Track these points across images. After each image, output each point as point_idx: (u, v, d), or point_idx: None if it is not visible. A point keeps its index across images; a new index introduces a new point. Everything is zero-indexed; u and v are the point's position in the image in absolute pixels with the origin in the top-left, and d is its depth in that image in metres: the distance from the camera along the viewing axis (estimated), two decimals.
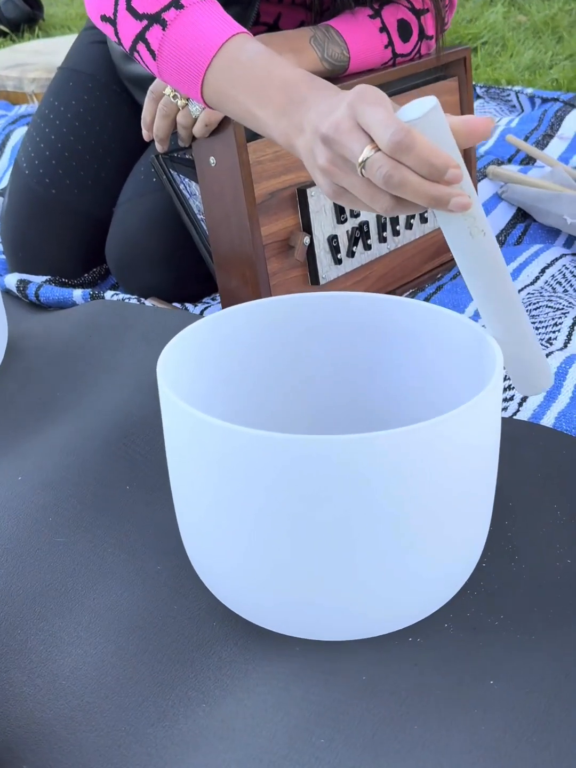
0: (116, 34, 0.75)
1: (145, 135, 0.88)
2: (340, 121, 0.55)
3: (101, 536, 0.66)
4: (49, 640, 0.58)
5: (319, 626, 0.56)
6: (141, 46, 0.73)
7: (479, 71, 1.87)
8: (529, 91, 1.61)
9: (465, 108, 1.04)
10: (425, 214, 1.00)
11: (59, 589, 0.61)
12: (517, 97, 1.61)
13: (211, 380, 0.63)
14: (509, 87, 1.67)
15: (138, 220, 0.99)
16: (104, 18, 0.76)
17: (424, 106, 0.53)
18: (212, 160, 0.83)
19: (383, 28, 0.91)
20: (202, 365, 0.62)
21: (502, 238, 1.14)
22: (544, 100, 1.56)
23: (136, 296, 0.96)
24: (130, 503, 0.69)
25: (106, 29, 0.76)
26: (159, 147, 0.88)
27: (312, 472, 0.49)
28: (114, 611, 0.60)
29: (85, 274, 1.07)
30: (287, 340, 0.65)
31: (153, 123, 0.86)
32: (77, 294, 0.96)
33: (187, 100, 0.82)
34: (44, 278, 1.02)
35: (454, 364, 0.61)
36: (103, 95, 1.09)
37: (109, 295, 0.94)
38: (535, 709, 0.49)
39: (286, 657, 0.56)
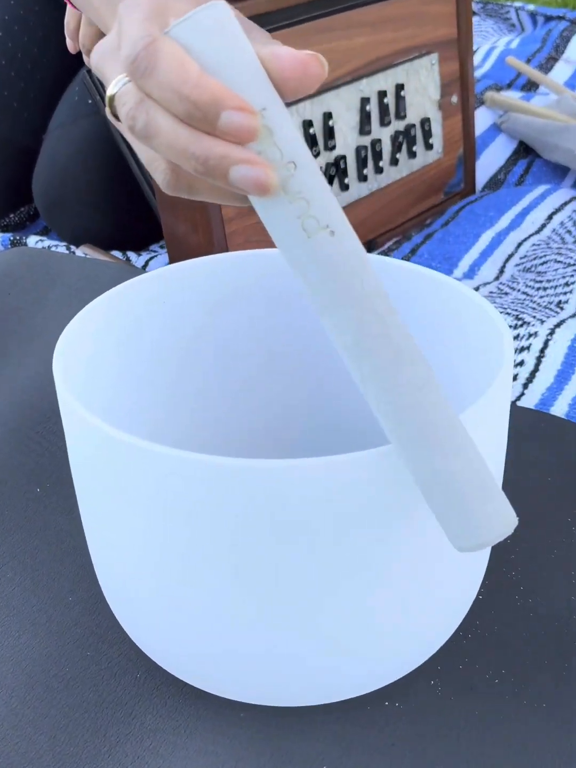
0: None
1: (70, 45, 0.71)
2: (112, 36, 0.34)
3: (2, 554, 0.52)
4: None
5: (268, 690, 0.43)
6: None
7: None
8: (531, 7, 1.43)
9: (461, 20, 0.88)
10: (414, 147, 0.85)
11: None
12: (517, 14, 1.44)
13: (136, 369, 0.49)
14: (509, 3, 1.49)
15: (70, 148, 0.83)
16: None
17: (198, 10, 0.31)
18: None
19: None
20: (119, 350, 0.47)
21: (501, 176, 0.99)
22: (548, 19, 1.38)
23: (65, 243, 0.81)
24: (39, 511, 0.55)
25: None
26: (87, 59, 0.72)
27: (256, 505, 0.36)
28: (7, 660, 0.47)
29: (11, 215, 0.91)
30: (239, 310, 0.51)
31: (78, 30, 0.69)
32: None
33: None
34: None
35: (450, 346, 0.47)
36: (36, 0, 0.92)
37: (32, 241, 0.79)
38: None
39: (225, 728, 0.43)
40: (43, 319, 0.70)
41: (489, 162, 1.00)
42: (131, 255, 0.83)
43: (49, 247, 0.79)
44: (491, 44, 1.32)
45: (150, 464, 0.36)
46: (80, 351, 0.44)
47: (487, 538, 0.34)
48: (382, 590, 0.39)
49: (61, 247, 0.79)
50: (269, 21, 0.72)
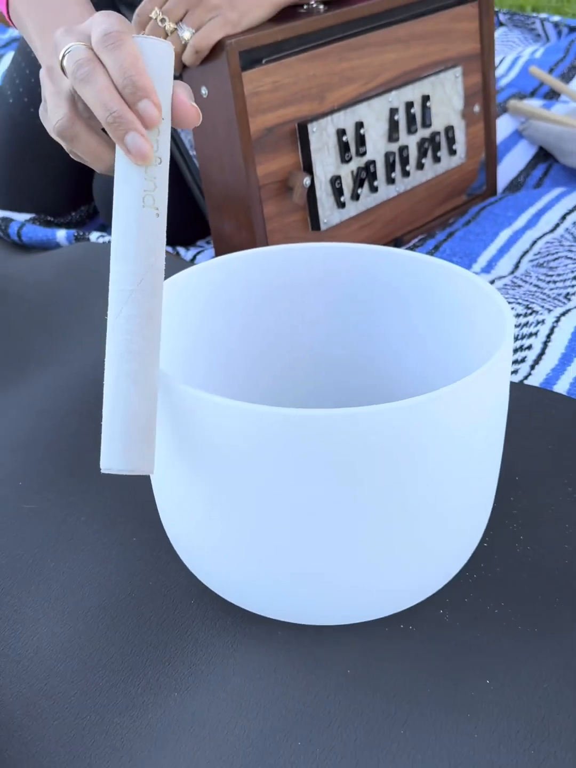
0: None
1: None
2: (72, 28, 0.47)
3: (75, 504, 0.61)
4: (12, 617, 0.54)
5: (304, 610, 0.51)
6: None
7: None
8: (556, 18, 1.50)
9: (485, 36, 0.96)
10: (438, 153, 0.93)
11: (26, 560, 0.57)
12: (543, 26, 1.51)
13: (190, 341, 0.57)
14: (534, 14, 1.56)
15: None
16: None
17: (164, 42, 0.46)
18: (204, 90, 0.75)
19: None
20: (181, 324, 0.56)
21: (521, 179, 1.06)
22: (572, 30, 1.45)
23: None
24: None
25: None
26: None
27: (297, 447, 0.44)
28: (83, 586, 0.56)
29: (73, 213, 1.00)
30: (276, 297, 0.59)
31: None
32: (61, 235, 0.89)
33: (176, 25, 0.74)
34: (28, 216, 0.95)
35: (459, 326, 0.55)
36: None
37: (94, 236, 0.88)
38: (535, 715, 0.45)
39: (266, 643, 0.52)
40: (105, 308, 0.79)
41: (510, 166, 1.07)
42: (181, 249, 0.91)
43: (108, 242, 0.88)
44: (517, 54, 1.39)
45: (214, 414, 0.44)
46: None
47: (108, 465, 0.43)
48: (401, 528, 0.47)
49: None
50: (310, 40, 0.81)
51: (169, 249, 0.91)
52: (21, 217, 0.95)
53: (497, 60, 1.38)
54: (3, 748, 0.48)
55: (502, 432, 0.52)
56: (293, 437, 0.44)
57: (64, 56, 0.45)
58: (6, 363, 0.74)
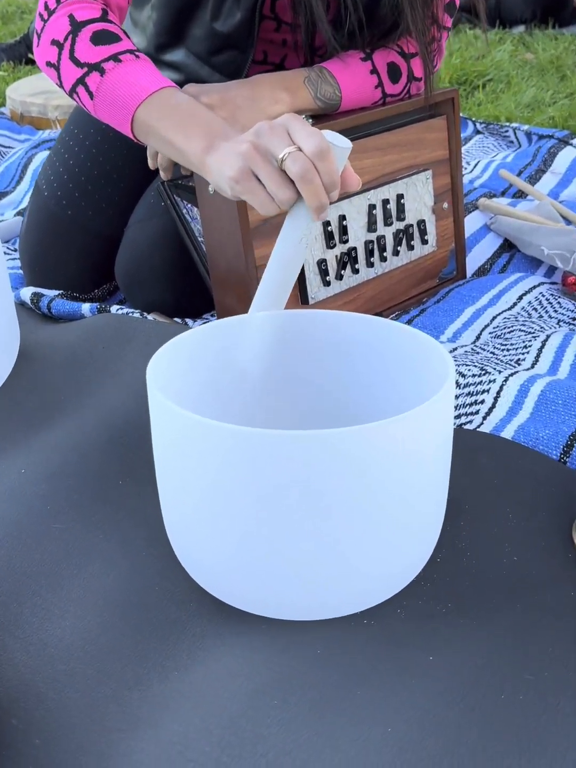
0: (59, 78, 0.90)
1: (151, 164, 0.96)
2: (274, 123, 0.69)
3: (95, 523, 0.73)
4: (41, 613, 0.65)
5: (284, 607, 0.62)
6: (81, 89, 0.87)
7: (482, 107, 1.95)
8: (526, 127, 1.68)
9: (453, 143, 1.12)
10: (412, 242, 1.08)
11: (54, 568, 0.68)
12: (515, 134, 1.69)
13: (198, 386, 0.70)
14: (508, 123, 1.74)
15: (146, 240, 1.07)
16: (49, 64, 0.89)
17: (343, 139, 0.68)
18: (211, 189, 0.91)
19: (373, 70, 0.99)
20: (189, 372, 0.69)
21: (487, 266, 1.21)
22: (540, 137, 1.63)
23: (139, 311, 1.04)
24: (123, 496, 0.76)
25: (51, 74, 0.91)
26: (163, 175, 0.96)
27: (274, 464, 0.56)
28: (102, 590, 0.67)
29: (96, 290, 1.15)
30: (273, 353, 0.72)
31: (157, 154, 0.94)
32: (86, 307, 1.03)
33: None
34: (57, 292, 1.10)
35: (414, 377, 0.68)
36: None
37: (114, 309, 1.02)
38: (466, 678, 0.55)
39: (251, 632, 0.62)
40: (123, 366, 0.92)
41: (479, 254, 1.22)
42: (189, 321, 1.05)
43: (127, 312, 1.02)
44: (490, 158, 1.56)
45: (213, 437, 0.57)
46: (167, 369, 0.66)
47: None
48: (364, 538, 0.58)
49: (136, 314, 1.02)
50: None
51: (178, 320, 1.05)
52: (50, 293, 1.10)
53: (473, 163, 1.54)
54: (32, 716, 0.58)
55: (448, 458, 0.63)
56: (275, 455, 0.55)
57: (286, 156, 0.67)
58: (38, 411, 0.87)
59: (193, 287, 1.05)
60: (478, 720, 0.52)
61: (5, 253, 1.27)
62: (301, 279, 0.97)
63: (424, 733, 0.52)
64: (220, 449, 0.57)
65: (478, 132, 1.74)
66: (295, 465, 0.56)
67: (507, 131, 1.71)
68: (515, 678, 0.56)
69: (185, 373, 0.69)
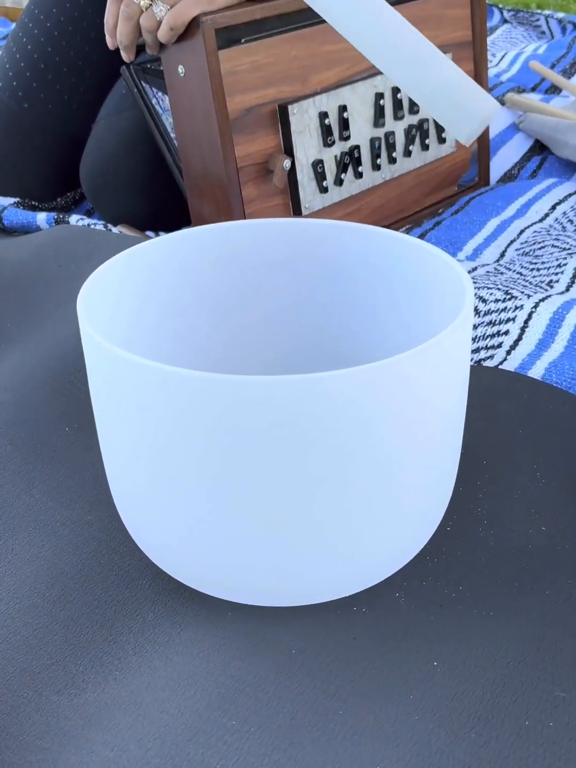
0: None
1: (109, 42, 0.79)
2: None
3: (31, 480, 0.60)
4: None
5: (256, 591, 0.50)
6: None
7: None
8: (560, 15, 1.48)
9: (476, 24, 0.94)
10: (426, 141, 0.91)
11: None
12: (547, 22, 1.49)
13: (150, 315, 0.56)
14: (538, 11, 1.54)
15: (114, 137, 0.91)
16: None
17: None
18: (181, 69, 0.75)
19: None
20: (139, 298, 0.55)
21: (515, 171, 1.04)
22: None
23: (102, 222, 0.89)
24: (67, 446, 0.63)
25: None
26: (124, 55, 0.80)
27: (247, 416, 0.42)
28: (32, 563, 0.54)
29: (59, 198, 1.00)
30: (240, 270, 0.58)
31: (116, 27, 0.78)
32: (41, 218, 0.89)
33: (151, 1, 0.74)
34: (11, 201, 0.95)
35: (424, 301, 0.54)
36: (88, 3, 1.01)
37: (74, 219, 0.87)
38: (479, 699, 0.43)
39: (214, 623, 0.50)
40: (80, 287, 0.78)
41: (505, 158, 1.06)
42: (162, 233, 0.90)
43: (88, 225, 0.87)
44: (519, 50, 1.37)
45: (165, 384, 0.43)
46: (101, 297, 0.52)
47: (484, 115, 0.46)
48: (356, 503, 0.46)
49: (99, 226, 0.88)
50: (292, 20, 0.80)
51: (151, 233, 0.90)
52: (4, 201, 0.95)
53: (499, 56, 1.36)
54: None
55: (462, 404, 0.50)
56: (242, 404, 0.42)
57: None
58: None
59: (167, 195, 0.90)
60: (493, 757, 0.40)
61: None
62: (293, 184, 0.81)
63: None
64: (174, 399, 0.43)
65: (504, 21, 1.54)
66: (273, 414, 0.42)
67: (538, 20, 1.51)
68: (543, 696, 0.43)
69: (134, 301, 0.54)
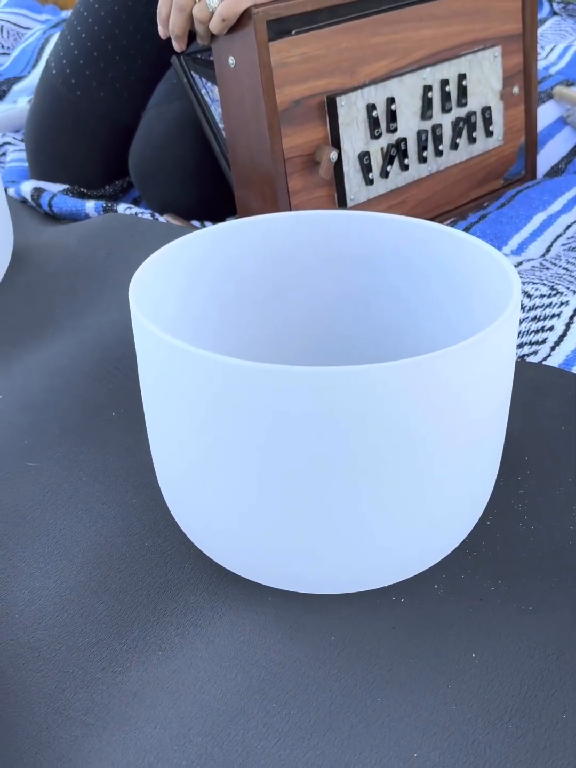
0: None
1: (161, 32, 0.80)
2: None
3: (78, 464, 0.61)
4: (6, 570, 0.54)
5: (297, 577, 0.51)
6: None
7: None
8: None
9: (527, 16, 0.93)
10: (474, 134, 0.91)
11: (23, 515, 0.57)
12: None
13: (195, 305, 0.57)
14: None
15: (163, 127, 0.92)
16: None
17: None
18: (231, 60, 0.75)
19: None
20: (185, 288, 0.56)
21: (562, 166, 1.03)
22: None
23: (150, 211, 0.90)
24: (113, 431, 0.64)
25: None
26: (176, 45, 0.81)
27: (293, 406, 0.43)
28: (79, 544, 0.56)
29: (107, 186, 1.01)
30: (284, 262, 0.58)
31: (168, 17, 0.78)
32: (90, 206, 0.90)
33: None
34: (61, 187, 0.96)
35: (468, 295, 0.54)
36: None
37: (122, 208, 0.89)
38: (516, 692, 0.43)
39: (255, 607, 0.51)
40: (127, 275, 0.79)
41: (552, 152, 1.05)
42: (208, 224, 0.91)
43: (136, 213, 0.88)
44: (568, 42, 1.36)
45: (211, 372, 0.44)
46: (151, 286, 0.53)
47: None
48: (399, 495, 0.46)
49: (147, 215, 0.89)
50: (342, 12, 0.80)
51: (196, 223, 0.91)
52: (54, 188, 0.97)
53: (548, 48, 1.34)
54: None
55: (506, 398, 0.50)
56: (291, 394, 0.43)
57: None
58: (27, 327, 0.75)
59: (214, 185, 0.91)
60: (529, 749, 0.40)
61: (10, 143, 1.13)
62: (339, 176, 0.81)
63: (459, 763, 0.40)
64: (223, 387, 0.44)
65: (554, 13, 1.52)
66: (317, 407, 0.43)
67: None
68: None
69: (181, 290, 0.55)
